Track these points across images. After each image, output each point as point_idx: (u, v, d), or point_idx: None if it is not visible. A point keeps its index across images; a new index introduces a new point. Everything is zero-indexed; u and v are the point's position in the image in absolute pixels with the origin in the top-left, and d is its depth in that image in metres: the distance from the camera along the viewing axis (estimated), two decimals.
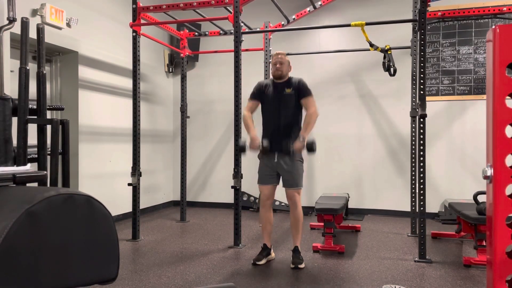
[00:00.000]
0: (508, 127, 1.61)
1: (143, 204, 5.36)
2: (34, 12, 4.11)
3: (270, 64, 3.67)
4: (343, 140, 6.07)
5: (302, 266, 3.46)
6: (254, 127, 3.61)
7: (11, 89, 3.23)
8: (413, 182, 4.65)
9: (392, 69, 4.33)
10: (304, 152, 3.52)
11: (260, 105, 3.70)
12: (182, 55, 5.66)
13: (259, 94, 3.67)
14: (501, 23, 5.31)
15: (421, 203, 3.69)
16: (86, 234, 1.14)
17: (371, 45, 4.31)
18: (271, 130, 3.60)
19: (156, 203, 6.33)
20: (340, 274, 3.31)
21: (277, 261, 3.69)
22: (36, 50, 2.40)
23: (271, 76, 3.75)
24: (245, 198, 6.23)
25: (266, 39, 5.32)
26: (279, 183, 3.67)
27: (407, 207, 5.09)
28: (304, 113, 3.62)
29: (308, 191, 6.09)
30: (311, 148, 3.42)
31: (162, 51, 6.51)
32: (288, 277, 3.25)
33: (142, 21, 4.62)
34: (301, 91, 3.55)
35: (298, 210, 3.58)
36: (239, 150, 3.64)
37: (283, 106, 3.56)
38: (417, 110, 3.81)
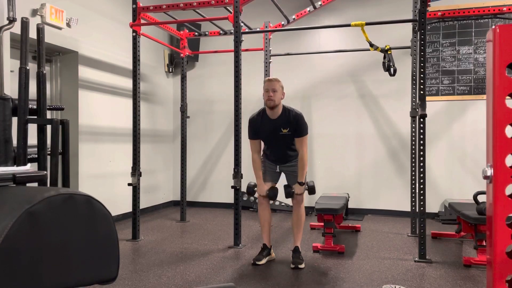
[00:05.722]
0: (508, 127, 1.61)
1: (143, 204, 5.36)
2: (34, 12, 4.11)
3: (263, 90, 3.54)
4: (343, 140, 6.07)
5: (302, 266, 3.46)
6: (263, 172, 3.69)
7: (11, 89, 3.23)
8: (413, 182, 4.64)
9: (392, 69, 4.33)
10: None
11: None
12: (182, 55, 5.65)
13: (256, 133, 3.66)
14: (501, 23, 5.31)
15: (421, 203, 3.69)
16: (86, 234, 1.14)
17: (371, 45, 4.31)
18: (271, 156, 3.70)
19: (156, 203, 6.33)
20: (340, 274, 3.31)
21: (277, 261, 3.69)
22: (36, 50, 2.40)
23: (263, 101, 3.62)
24: (245, 198, 6.23)
25: (266, 39, 5.32)
26: (276, 184, 3.70)
27: (407, 207, 5.09)
28: None
29: None
30: (312, 190, 3.64)
31: (162, 51, 6.51)
32: (288, 277, 3.25)
33: (142, 21, 4.62)
34: (297, 131, 3.53)
35: (301, 208, 3.62)
36: (247, 192, 3.71)
37: (280, 144, 3.61)
38: (417, 110, 3.81)
